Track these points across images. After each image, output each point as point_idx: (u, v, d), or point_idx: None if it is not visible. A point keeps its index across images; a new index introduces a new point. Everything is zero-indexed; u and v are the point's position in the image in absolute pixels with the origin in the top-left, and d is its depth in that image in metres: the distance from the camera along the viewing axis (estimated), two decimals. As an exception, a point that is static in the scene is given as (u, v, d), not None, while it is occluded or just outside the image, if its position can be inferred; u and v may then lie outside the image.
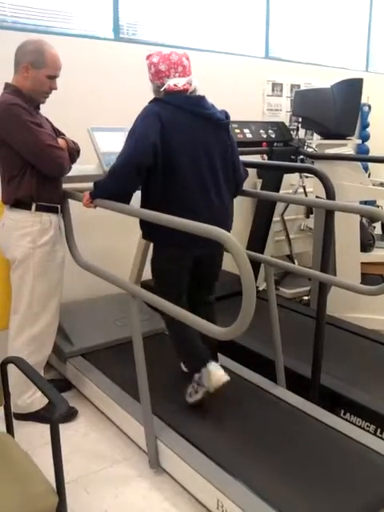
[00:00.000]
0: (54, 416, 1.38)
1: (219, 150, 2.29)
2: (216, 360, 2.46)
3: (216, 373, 2.29)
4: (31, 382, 1.57)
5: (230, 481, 1.96)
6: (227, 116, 2.33)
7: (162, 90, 2.23)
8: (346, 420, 2.46)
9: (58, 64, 2.37)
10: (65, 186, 2.56)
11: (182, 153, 2.18)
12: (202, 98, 2.26)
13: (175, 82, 2.21)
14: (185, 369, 2.56)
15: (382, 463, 2.06)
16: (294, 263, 4.16)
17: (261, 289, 3.84)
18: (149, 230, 2.29)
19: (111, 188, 2.19)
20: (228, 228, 2.33)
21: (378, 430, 2.39)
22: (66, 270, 2.61)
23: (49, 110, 2.52)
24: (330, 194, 2.39)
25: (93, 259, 2.48)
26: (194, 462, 2.08)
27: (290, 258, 4.29)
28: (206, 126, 2.24)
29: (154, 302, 2.04)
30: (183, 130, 2.18)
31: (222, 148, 2.30)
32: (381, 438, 2.34)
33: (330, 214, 2.42)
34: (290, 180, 4.16)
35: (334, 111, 3.43)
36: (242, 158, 2.60)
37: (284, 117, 4.42)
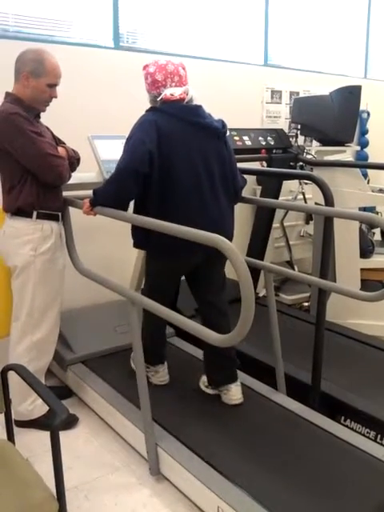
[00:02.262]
0: (54, 423, 1.39)
1: (216, 159, 2.30)
2: (236, 379, 2.54)
3: (236, 393, 2.50)
4: (32, 389, 1.57)
5: (231, 488, 1.96)
6: (224, 125, 2.35)
7: (158, 99, 2.26)
8: (347, 426, 2.46)
9: (58, 72, 2.39)
10: (65, 193, 2.58)
11: (178, 161, 2.19)
12: (198, 108, 2.28)
13: (172, 92, 2.22)
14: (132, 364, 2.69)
15: (382, 469, 2.05)
16: (293, 269, 4.17)
17: (261, 295, 3.85)
18: (142, 238, 2.30)
19: (109, 195, 2.21)
20: (228, 236, 2.34)
21: (379, 436, 2.39)
22: (66, 278, 2.62)
23: (49, 118, 2.53)
24: (329, 200, 2.40)
25: (93, 266, 2.49)
26: (194, 468, 2.08)
27: (290, 264, 4.30)
28: (202, 135, 2.25)
29: (153, 309, 2.05)
30: (180, 139, 2.20)
31: (219, 157, 2.31)
32: (381, 444, 2.33)
33: (329, 221, 2.43)
34: (290, 187, 4.17)
35: (333, 118, 3.44)
36: (242, 165, 2.62)
37: (283, 124, 4.45)
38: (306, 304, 4.05)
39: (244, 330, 1.62)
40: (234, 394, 2.49)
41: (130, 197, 2.22)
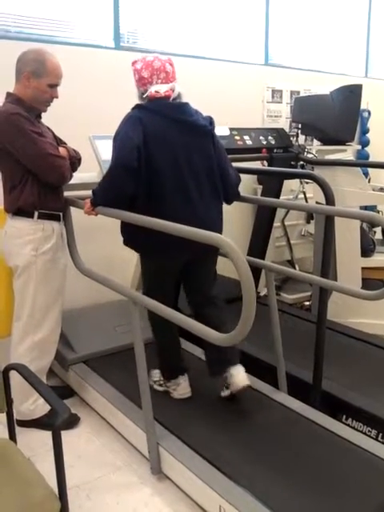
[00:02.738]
0: (56, 422, 1.39)
1: (202, 157, 2.29)
2: (237, 362, 2.47)
3: (238, 375, 2.41)
4: (33, 388, 1.58)
5: (232, 487, 1.96)
6: (212, 122, 2.34)
7: (144, 96, 2.26)
8: (348, 425, 2.46)
9: (59, 72, 2.39)
10: (67, 193, 2.58)
11: (162, 159, 2.18)
12: (184, 105, 2.27)
13: (157, 89, 2.22)
14: (154, 384, 2.61)
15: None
16: (294, 269, 4.17)
17: (262, 294, 3.86)
18: (132, 237, 2.31)
19: (106, 193, 2.21)
20: (215, 232, 2.34)
21: (380, 435, 2.39)
22: (68, 277, 2.62)
23: (50, 118, 2.54)
24: (330, 199, 2.40)
25: (94, 266, 2.50)
26: (195, 468, 2.09)
27: (291, 263, 4.31)
28: (187, 133, 2.25)
29: (154, 308, 2.06)
30: (163, 136, 2.19)
31: (206, 154, 2.30)
32: (382, 442, 2.33)
33: (329, 220, 2.43)
34: (290, 186, 4.17)
35: (334, 117, 3.44)
36: (242, 164, 2.62)
37: (284, 123, 4.45)
38: (307, 303, 4.06)
39: (245, 329, 1.62)
40: (237, 375, 2.41)
41: (125, 192, 2.19)
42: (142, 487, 2.22)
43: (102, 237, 3.45)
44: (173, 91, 2.24)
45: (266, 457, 2.13)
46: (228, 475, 2.02)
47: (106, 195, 2.22)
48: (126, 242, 2.39)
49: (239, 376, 2.42)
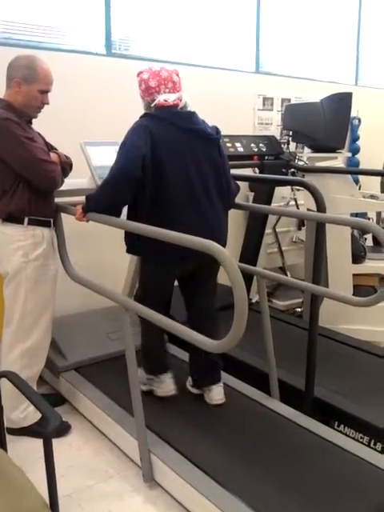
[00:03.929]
0: (47, 430, 1.38)
1: (210, 165, 2.31)
2: (218, 380, 2.57)
3: (216, 392, 2.54)
4: (24, 396, 1.56)
5: (225, 494, 1.95)
6: (218, 131, 2.37)
7: (152, 105, 2.27)
8: (340, 432, 2.46)
9: (50, 79, 2.39)
10: (58, 200, 2.57)
11: (171, 167, 2.19)
12: (192, 114, 2.29)
13: (165, 98, 2.24)
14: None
15: (376, 474, 2.05)
16: (286, 275, 4.17)
17: (254, 301, 3.86)
18: (135, 243, 2.30)
19: (103, 201, 2.20)
20: (222, 241, 2.35)
21: (372, 442, 2.39)
22: (58, 284, 2.61)
23: (41, 124, 2.53)
24: (321, 206, 2.42)
25: (85, 273, 2.48)
26: (188, 475, 2.07)
27: (283, 270, 4.32)
28: (195, 141, 2.26)
29: (146, 315, 2.04)
30: (173, 145, 2.20)
31: (213, 162, 2.32)
32: (374, 449, 2.34)
33: (321, 227, 2.44)
34: (282, 193, 4.19)
35: (324, 125, 3.47)
36: (234, 171, 2.62)
37: (275, 131, 4.46)
38: (298, 309, 4.06)
39: (237, 336, 1.62)
40: (215, 394, 2.53)
41: (123, 201, 2.21)
42: (134, 495, 2.20)
43: (93, 243, 3.44)
44: (180, 100, 2.26)
45: (258, 464, 2.13)
46: (220, 482, 2.01)
47: (102, 202, 2.21)
48: (128, 250, 2.38)
49: (217, 394, 2.54)
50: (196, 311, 2.53)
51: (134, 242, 2.31)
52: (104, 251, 3.50)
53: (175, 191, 2.21)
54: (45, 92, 2.40)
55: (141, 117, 2.28)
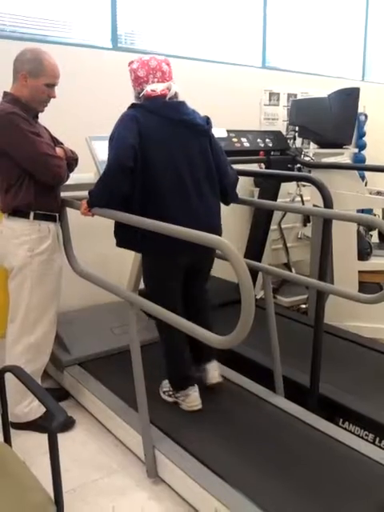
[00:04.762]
0: (52, 425, 1.37)
1: (200, 155, 2.28)
2: (212, 359, 2.57)
3: (211, 371, 2.56)
4: (29, 390, 1.56)
5: (229, 490, 1.95)
6: (208, 122, 2.34)
7: (140, 95, 2.25)
8: (345, 429, 2.45)
9: (57, 72, 2.38)
10: (63, 194, 2.57)
11: (159, 157, 2.18)
12: (180, 103, 2.26)
13: (153, 88, 2.21)
14: (163, 395, 2.56)
15: (380, 472, 2.05)
16: (291, 272, 4.16)
17: (258, 297, 3.85)
18: (131, 238, 2.27)
19: (102, 194, 2.19)
20: (215, 232, 2.33)
21: (377, 439, 2.38)
22: (64, 279, 2.60)
23: (47, 118, 2.52)
24: (328, 202, 2.40)
25: (91, 267, 2.48)
26: (192, 471, 2.07)
27: (288, 266, 4.30)
28: (184, 131, 2.24)
29: (152, 310, 2.04)
30: (160, 135, 2.19)
31: (204, 153, 2.30)
32: (379, 446, 2.33)
33: (327, 223, 2.43)
34: (288, 189, 4.17)
35: (331, 120, 3.45)
36: (240, 166, 2.61)
37: (281, 126, 4.44)
38: (303, 306, 4.05)
39: (244, 332, 1.61)
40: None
41: (121, 192, 2.17)
42: (138, 491, 2.20)
43: (98, 238, 3.43)
44: (169, 90, 2.23)
45: (262, 460, 2.12)
46: (224, 478, 2.01)
47: (102, 195, 2.20)
48: (120, 244, 2.36)
49: (213, 372, 2.56)
50: (189, 300, 2.49)
51: (127, 237, 2.29)
52: (109, 246, 3.48)
53: (164, 182, 2.19)
54: (51, 86, 2.39)
55: (129, 107, 2.26)
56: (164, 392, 2.55)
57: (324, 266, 2.45)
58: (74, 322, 3.20)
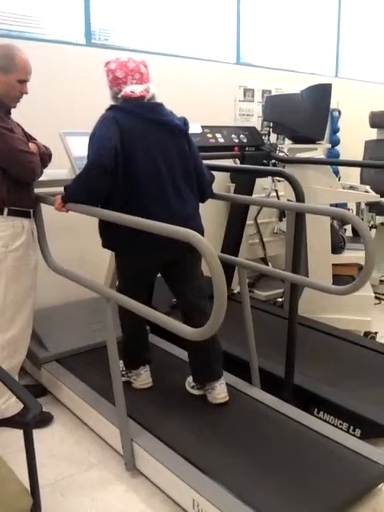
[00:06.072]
0: (27, 418, 1.39)
1: (178, 156, 2.31)
2: (220, 375, 2.53)
3: (219, 391, 2.50)
4: (5, 386, 1.56)
5: (206, 481, 1.98)
6: (186, 123, 2.37)
7: (119, 96, 2.27)
8: (320, 418, 2.51)
9: (28, 68, 2.37)
10: (37, 190, 2.56)
11: (138, 158, 2.20)
12: (158, 105, 2.29)
13: (132, 89, 2.23)
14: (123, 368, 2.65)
15: (355, 460, 2.10)
16: (267, 266, 4.21)
17: (235, 291, 3.89)
18: (110, 238, 2.31)
19: (79, 192, 2.20)
20: (197, 230, 2.36)
21: (351, 428, 2.44)
22: (40, 275, 2.60)
23: (21, 114, 2.51)
24: (300, 196, 2.44)
25: (67, 264, 2.48)
26: (169, 463, 2.10)
27: (264, 260, 4.35)
28: (163, 133, 2.27)
29: (129, 305, 2.05)
30: (140, 137, 2.20)
31: (181, 154, 2.32)
32: (353, 435, 2.39)
33: (299, 217, 2.47)
34: (263, 184, 4.22)
35: (304, 116, 3.49)
36: (215, 162, 2.63)
37: (256, 122, 4.48)
38: (280, 299, 4.10)
39: (216, 324, 1.63)
40: (218, 392, 2.48)
41: (99, 193, 2.20)
42: (116, 484, 2.22)
43: (74, 234, 3.43)
44: (148, 92, 2.25)
45: (239, 451, 2.16)
46: (201, 469, 2.04)
47: (79, 192, 2.21)
48: (105, 244, 2.38)
49: (220, 393, 2.49)
50: (185, 304, 2.51)
51: (109, 237, 2.32)
52: (85, 242, 3.49)
53: (144, 183, 2.21)
54: (23, 81, 2.38)
55: (107, 109, 2.27)
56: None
57: (297, 259, 2.50)
58: (51, 319, 3.20)
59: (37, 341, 2.99)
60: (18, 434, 2.44)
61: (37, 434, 2.59)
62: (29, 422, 1.38)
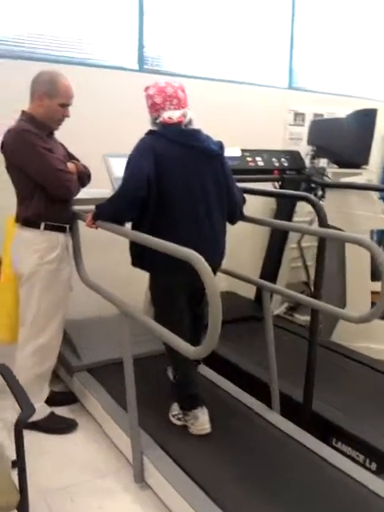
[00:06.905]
0: (18, 418, 1.48)
1: (212, 180, 2.35)
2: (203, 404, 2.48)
3: (201, 420, 2.42)
4: (9, 388, 1.67)
5: (211, 506, 1.97)
6: (221, 147, 2.41)
7: (157, 121, 2.35)
8: (337, 449, 2.44)
9: (70, 93, 2.54)
10: (77, 207, 2.69)
11: (174, 185, 2.26)
12: (196, 131, 2.35)
13: (170, 115, 2.30)
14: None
15: (367, 496, 2.03)
16: (310, 290, 4.15)
17: (275, 314, 3.88)
18: (138, 256, 2.38)
19: (109, 213, 2.30)
20: (221, 252, 2.44)
21: (367, 461, 2.37)
22: (78, 288, 2.71)
23: (68, 136, 2.67)
24: (323, 221, 2.42)
25: (101, 279, 2.55)
26: (176, 481, 2.11)
27: (307, 284, 4.30)
28: (199, 158, 2.32)
29: (144, 321, 2.11)
30: (176, 163, 2.27)
31: (216, 178, 2.37)
32: (369, 468, 2.31)
33: (322, 241, 2.46)
34: (308, 208, 4.17)
35: (348, 140, 3.46)
36: (250, 185, 2.64)
37: (305, 146, 4.46)
38: (320, 326, 4.01)
39: (212, 343, 1.67)
40: (201, 423, 2.42)
41: (126, 218, 2.30)
42: (124, 494, 2.28)
43: (108, 250, 3.52)
44: (185, 117, 2.32)
45: (249, 478, 2.13)
46: (207, 492, 2.03)
47: (108, 215, 2.31)
48: (134, 263, 2.44)
49: (203, 423, 2.43)
50: (194, 320, 2.55)
51: (137, 255, 2.39)
52: (119, 259, 3.57)
53: (177, 208, 2.27)
54: (65, 105, 2.55)
55: (146, 134, 2.35)
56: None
57: (318, 284, 2.48)
58: (88, 329, 3.33)
59: (72, 350, 3.13)
60: (41, 437, 2.59)
61: (60, 440, 2.74)
62: (19, 421, 1.47)
